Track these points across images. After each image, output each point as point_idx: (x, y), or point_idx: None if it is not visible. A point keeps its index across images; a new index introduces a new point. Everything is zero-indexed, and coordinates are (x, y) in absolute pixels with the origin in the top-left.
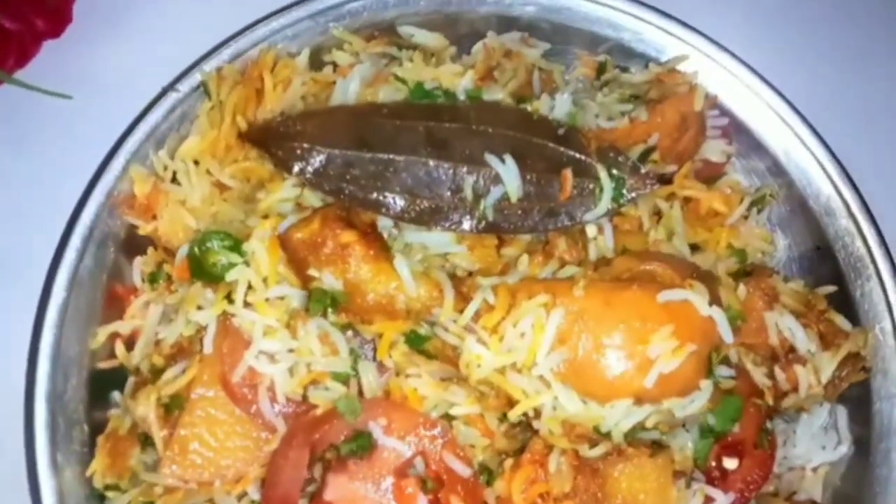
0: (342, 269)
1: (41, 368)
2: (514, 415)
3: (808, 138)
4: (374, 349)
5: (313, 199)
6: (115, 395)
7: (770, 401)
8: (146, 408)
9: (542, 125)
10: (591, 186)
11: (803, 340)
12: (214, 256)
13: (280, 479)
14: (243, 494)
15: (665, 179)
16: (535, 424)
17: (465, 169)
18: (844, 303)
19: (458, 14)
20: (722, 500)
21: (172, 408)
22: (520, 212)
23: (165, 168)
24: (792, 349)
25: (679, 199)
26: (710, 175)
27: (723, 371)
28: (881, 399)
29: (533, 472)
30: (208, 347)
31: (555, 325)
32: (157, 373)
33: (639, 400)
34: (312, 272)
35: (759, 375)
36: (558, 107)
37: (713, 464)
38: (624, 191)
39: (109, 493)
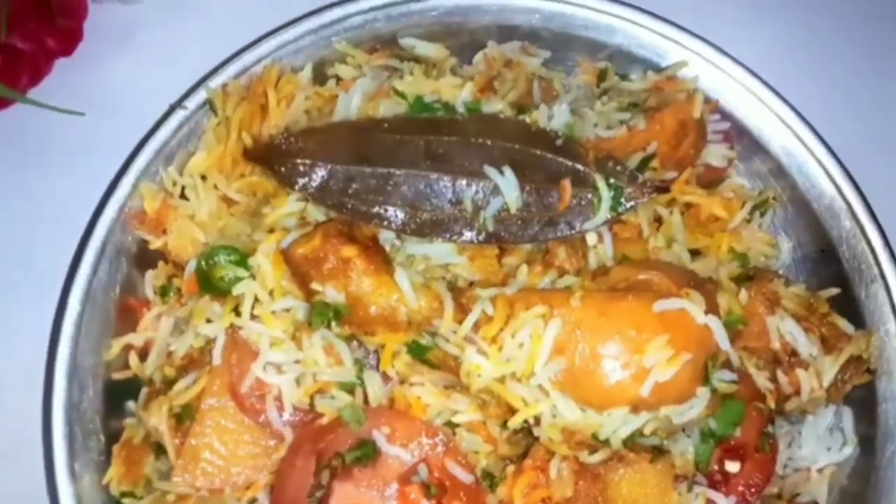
0: (344, 282)
1: (58, 380)
2: (514, 423)
3: (810, 141)
4: (378, 359)
5: (317, 213)
6: (130, 404)
7: (772, 404)
8: (158, 418)
9: (541, 136)
10: (589, 196)
11: (805, 344)
12: (221, 271)
13: (287, 486)
14: (253, 501)
15: (663, 188)
16: (536, 431)
17: (464, 181)
18: (849, 305)
19: (460, 24)
20: (723, 503)
21: (184, 418)
22: (519, 222)
23: (174, 184)
24: (794, 353)
25: (679, 205)
26: (712, 179)
27: (725, 375)
28: (886, 400)
29: (535, 478)
30: (217, 359)
31: (552, 335)
32: (169, 383)
33: (635, 408)
34: (315, 286)
35: (761, 379)
36: (556, 117)
37: (715, 467)
38: (622, 199)
39: (125, 501)
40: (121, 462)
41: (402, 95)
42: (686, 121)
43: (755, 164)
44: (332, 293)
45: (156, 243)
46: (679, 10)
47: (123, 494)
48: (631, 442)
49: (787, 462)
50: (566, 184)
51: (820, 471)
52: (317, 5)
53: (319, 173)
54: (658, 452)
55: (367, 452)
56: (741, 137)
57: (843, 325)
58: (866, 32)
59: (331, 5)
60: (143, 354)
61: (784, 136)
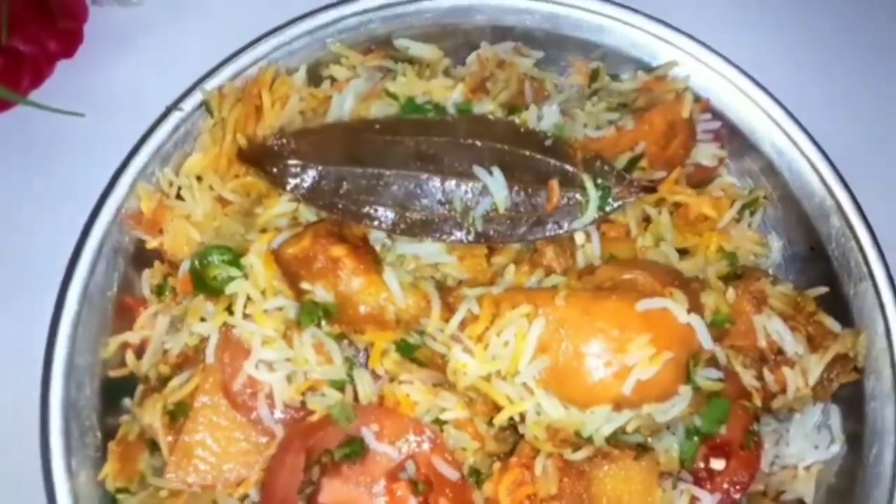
0: (333, 282)
1: (55, 378)
2: (499, 420)
3: (800, 140)
4: (368, 357)
5: (308, 213)
6: (127, 401)
7: (758, 402)
8: (152, 415)
9: (530, 137)
10: (577, 196)
11: (790, 343)
12: (214, 270)
13: (278, 482)
14: (245, 497)
15: (650, 187)
16: (521, 429)
17: (454, 181)
18: (838, 303)
19: (455, 25)
20: (707, 500)
21: (177, 415)
22: (508, 222)
23: (171, 184)
24: (780, 351)
25: (668, 204)
26: (703, 179)
27: (711, 373)
28: (874, 399)
29: (520, 475)
30: (210, 357)
31: (536, 334)
32: (164, 381)
33: (618, 406)
34: (305, 285)
35: (747, 377)
36: (546, 118)
37: (701, 465)
38: (609, 199)
39: (120, 496)
40: (116, 458)
41: (393, 97)
42: (675, 121)
43: (746, 163)
44: (321, 292)
45: (152, 243)
46: (670, 10)
47: (118, 490)
48: (614, 439)
49: (775, 460)
50: (554, 184)
51: (807, 468)
52: (315, 6)
53: (311, 174)
54: (642, 450)
55: (356, 449)
56: (732, 136)
57: (830, 323)
58: (857, 31)
59: (327, 7)
60: (140, 352)
61: (775, 135)
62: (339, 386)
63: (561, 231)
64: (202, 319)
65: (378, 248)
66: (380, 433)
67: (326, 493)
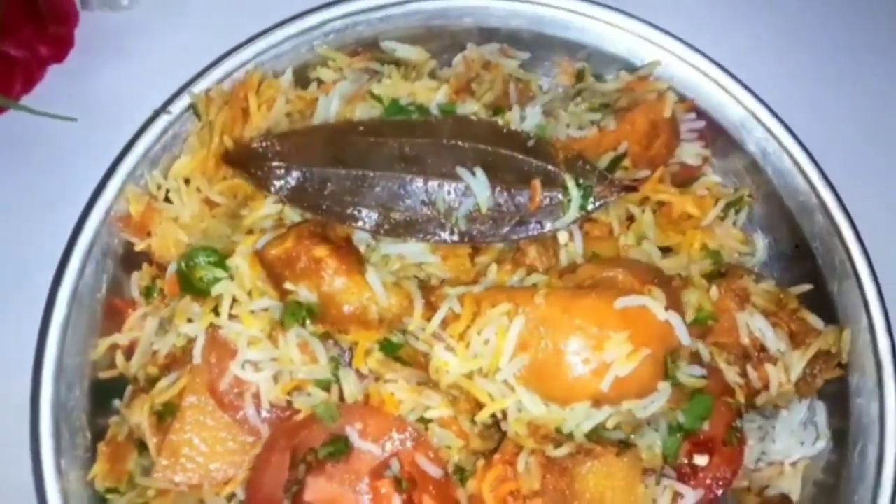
0: (316, 282)
1: (45, 379)
2: (481, 417)
3: (784, 138)
4: (353, 356)
5: (293, 215)
6: (116, 402)
7: (741, 399)
8: (140, 416)
9: (512, 137)
10: (559, 196)
11: (773, 340)
12: (201, 272)
13: (263, 481)
14: (232, 496)
15: (632, 187)
16: (503, 426)
17: (437, 182)
18: (822, 300)
19: (441, 27)
20: (690, 496)
21: (165, 415)
22: (491, 222)
23: (159, 187)
24: (763, 348)
25: (652, 203)
26: (687, 177)
27: (694, 370)
28: (859, 395)
29: (503, 472)
30: (197, 358)
31: (516, 332)
32: (152, 382)
33: (597, 402)
34: (289, 286)
35: (731, 374)
36: (529, 119)
37: (684, 461)
38: (591, 199)
39: (109, 496)
40: (106, 459)
41: (377, 99)
42: (657, 121)
43: (731, 162)
44: (305, 293)
45: (141, 245)
46: (654, 10)
47: (108, 490)
48: (595, 436)
49: (761, 456)
50: (536, 184)
51: (793, 464)
52: (307, 6)
53: (295, 175)
54: (624, 446)
55: (340, 448)
56: (717, 135)
57: (813, 320)
58: (840, 29)
59: (314, 9)
60: (129, 354)
61: (759, 134)
62: (325, 385)
63: (543, 230)
64: (189, 320)
65: (363, 248)
66: (364, 431)
67: (311, 491)
